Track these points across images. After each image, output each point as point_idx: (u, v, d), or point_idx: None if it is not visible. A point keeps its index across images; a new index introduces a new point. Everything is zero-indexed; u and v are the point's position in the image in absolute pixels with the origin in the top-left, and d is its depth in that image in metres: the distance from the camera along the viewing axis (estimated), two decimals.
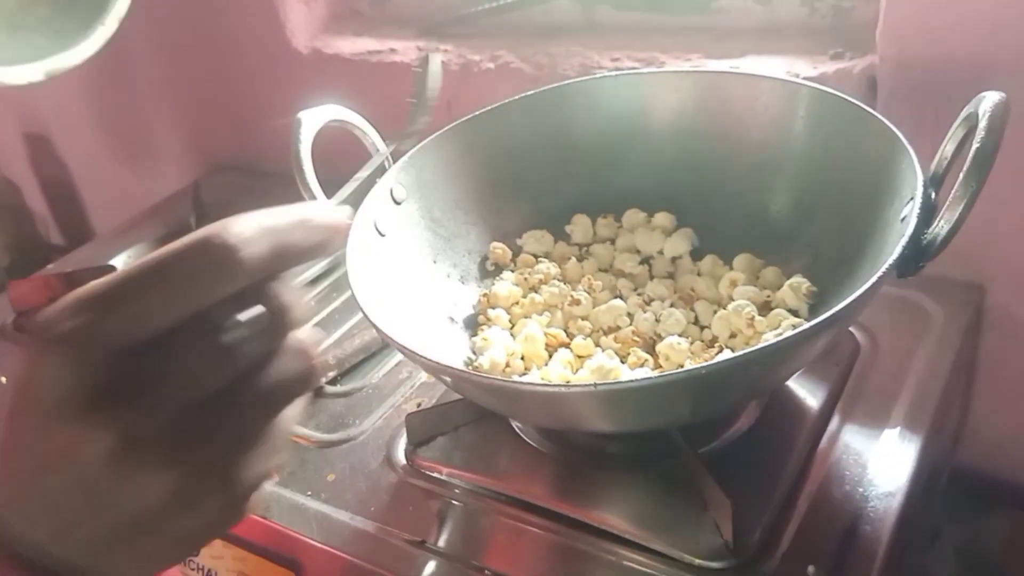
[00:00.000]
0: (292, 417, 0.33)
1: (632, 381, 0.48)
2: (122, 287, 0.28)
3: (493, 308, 0.67)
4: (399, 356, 0.75)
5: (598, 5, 0.92)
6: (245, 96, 1.11)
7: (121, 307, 0.28)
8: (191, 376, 0.29)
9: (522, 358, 0.64)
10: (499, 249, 0.71)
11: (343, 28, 1.05)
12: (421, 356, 0.52)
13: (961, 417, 0.78)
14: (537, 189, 0.74)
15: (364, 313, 0.55)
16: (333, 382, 0.73)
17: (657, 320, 0.64)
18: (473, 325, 0.67)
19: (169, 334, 0.29)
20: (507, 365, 0.62)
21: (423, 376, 0.72)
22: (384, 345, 0.76)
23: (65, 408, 0.28)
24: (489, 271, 0.71)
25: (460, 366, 0.61)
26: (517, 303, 0.68)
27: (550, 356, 0.64)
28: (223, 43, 1.08)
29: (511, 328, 0.66)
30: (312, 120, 0.64)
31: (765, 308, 0.62)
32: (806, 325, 0.44)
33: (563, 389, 0.47)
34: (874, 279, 0.46)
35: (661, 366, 0.61)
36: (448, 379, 0.54)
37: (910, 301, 0.70)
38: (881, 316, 0.69)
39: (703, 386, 0.47)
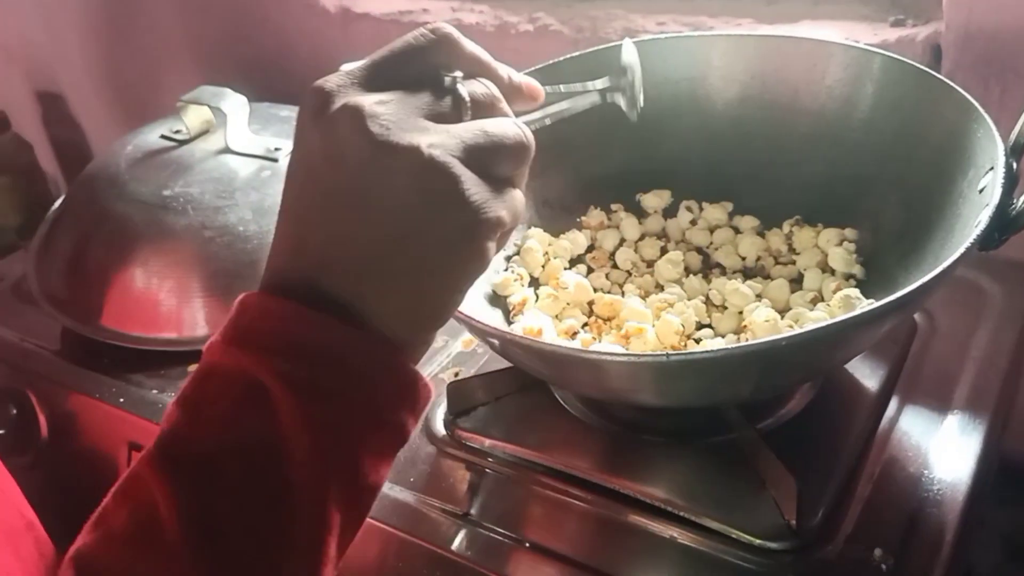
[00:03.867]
0: (520, 186, 0.38)
1: (707, 352, 0.46)
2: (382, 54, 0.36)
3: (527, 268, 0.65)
4: None
5: None
6: (269, 56, 1.08)
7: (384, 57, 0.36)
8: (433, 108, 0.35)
9: (557, 317, 0.62)
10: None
11: None
12: (480, 323, 0.50)
13: (1011, 401, 0.75)
14: (580, 155, 0.71)
15: None
16: None
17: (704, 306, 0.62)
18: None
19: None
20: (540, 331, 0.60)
21: (459, 345, 0.70)
22: None
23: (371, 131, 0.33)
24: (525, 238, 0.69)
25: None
26: (546, 259, 0.66)
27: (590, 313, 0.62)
28: (247, 2, 1.05)
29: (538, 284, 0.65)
30: None
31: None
32: (891, 297, 0.42)
33: (634, 359, 0.44)
34: (961, 250, 0.44)
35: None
36: (502, 345, 0.52)
37: (966, 280, 0.68)
38: (937, 295, 0.66)
39: (776, 360, 0.44)
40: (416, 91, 0.36)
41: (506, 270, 0.66)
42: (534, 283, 0.66)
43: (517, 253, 0.67)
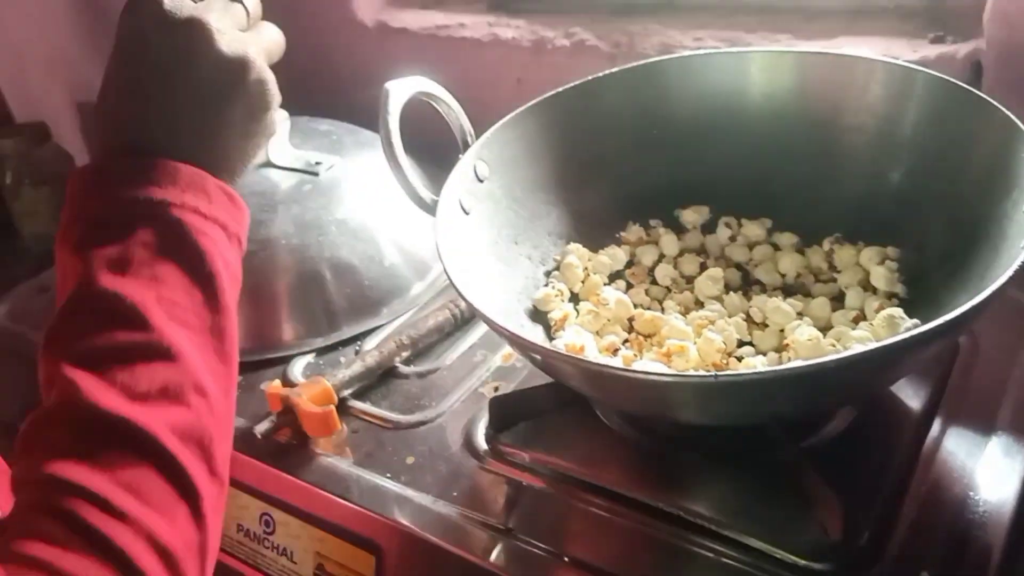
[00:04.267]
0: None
1: (756, 372, 0.46)
2: None
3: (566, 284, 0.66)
4: (472, 338, 0.74)
5: None
6: (306, 70, 1.09)
7: None
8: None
9: (597, 334, 0.62)
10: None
11: (409, 2, 1.03)
12: (524, 340, 0.51)
13: None
14: (619, 171, 0.72)
15: (461, 294, 0.53)
16: (407, 362, 0.71)
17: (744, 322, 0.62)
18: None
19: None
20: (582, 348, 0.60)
21: (498, 360, 0.71)
22: (456, 327, 0.74)
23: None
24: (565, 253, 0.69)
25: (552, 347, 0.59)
26: (586, 274, 0.67)
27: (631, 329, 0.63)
28: (283, 14, 1.06)
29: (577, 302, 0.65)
30: (400, 91, 0.62)
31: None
32: (943, 319, 0.42)
33: (681, 378, 0.45)
34: (1010, 272, 0.44)
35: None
36: (544, 361, 0.53)
37: (1008, 299, 0.67)
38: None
39: (823, 382, 0.45)
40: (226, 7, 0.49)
41: (546, 285, 0.66)
42: (574, 298, 0.66)
43: (557, 268, 0.68)
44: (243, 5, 0.49)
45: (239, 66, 0.47)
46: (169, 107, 0.46)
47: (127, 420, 0.39)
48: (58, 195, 1.33)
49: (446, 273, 0.55)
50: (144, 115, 0.46)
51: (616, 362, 0.58)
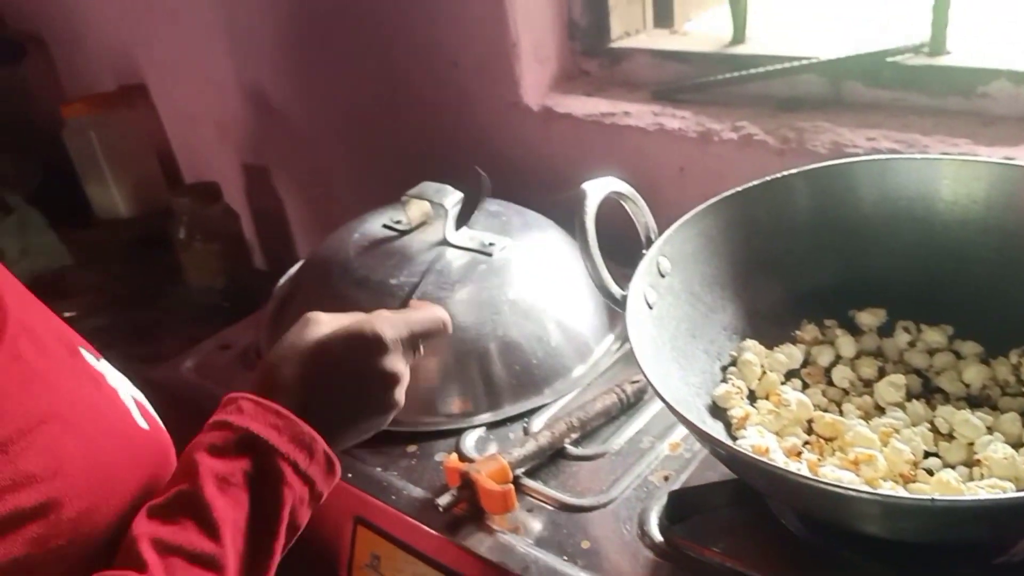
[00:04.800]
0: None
1: (981, 499, 0.46)
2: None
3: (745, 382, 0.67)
4: (638, 423, 0.75)
5: (847, 80, 0.90)
6: (471, 151, 1.14)
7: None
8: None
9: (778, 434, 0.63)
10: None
11: (572, 88, 1.08)
12: (713, 437, 0.52)
13: None
14: (795, 268, 0.73)
15: (657, 392, 0.55)
16: (576, 444, 0.73)
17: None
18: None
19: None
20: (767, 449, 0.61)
21: (665, 448, 0.72)
22: (622, 410, 0.76)
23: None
24: (741, 350, 0.70)
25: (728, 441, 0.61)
26: (762, 372, 0.68)
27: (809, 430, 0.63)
28: (455, 97, 1.13)
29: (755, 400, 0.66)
30: (595, 191, 0.65)
31: None
32: None
33: (895, 499, 0.45)
34: None
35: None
36: (730, 459, 0.54)
37: None
38: None
39: None
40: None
41: (724, 381, 0.67)
42: (750, 395, 0.67)
43: (732, 363, 0.69)
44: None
45: (392, 381, 0.60)
46: (313, 382, 0.57)
47: None
48: (226, 251, 1.43)
49: (640, 368, 0.57)
50: (292, 379, 0.57)
51: (803, 467, 0.59)
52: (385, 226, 0.90)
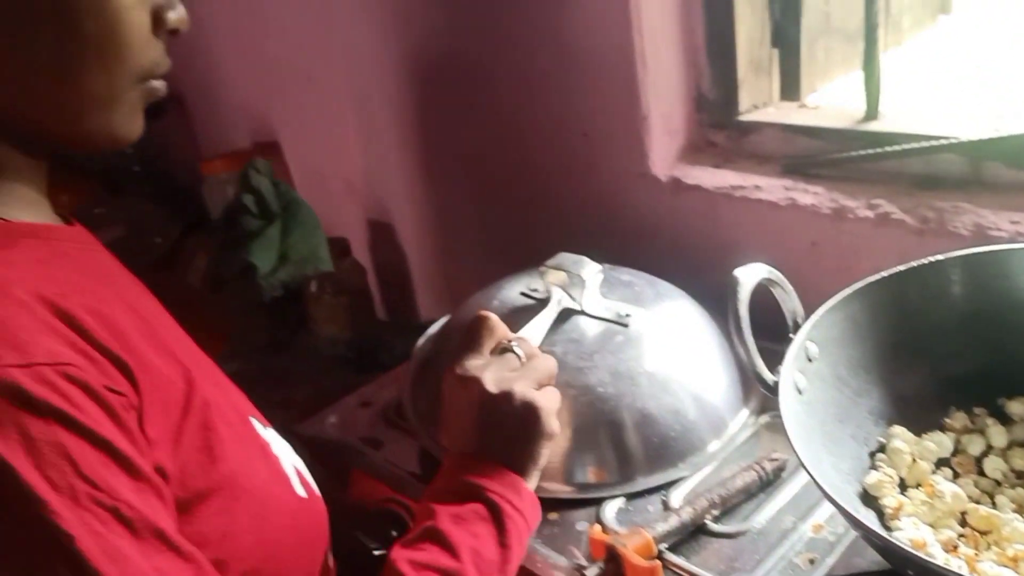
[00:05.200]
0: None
1: None
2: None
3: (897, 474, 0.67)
4: (778, 502, 0.76)
5: (988, 160, 0.90)
6: (603, 220, 1.17)
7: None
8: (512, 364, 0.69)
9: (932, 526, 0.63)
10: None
11: (700, 159, 1.10)
12: (871, 529, 0.53)
13: None
14: (942, 354, 0.73)
15: (817, 482, 0.57)
16: (716, 520, 0.75)
17: None
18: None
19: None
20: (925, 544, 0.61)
21: (808, 529, 0.72)
22: (761, 488, 0.77)
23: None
24: (890, 436, 0.71)
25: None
26: (911, 459, 0.68)
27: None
28: (583, 169, 1.17)
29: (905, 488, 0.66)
30: (748, 278, 0.67)
31: None
32: None
33: None
34: None
35: None
36: (886, 551, 0.55)
37: None
38: None
39: None
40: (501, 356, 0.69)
41: (872, 468, 0.68)
42: (900, 483, 0.68)
43: (880, 449, 0.70)
44: (515, 354, 0.69)
45: (503, 399, 0.65)
46: (477, 431, 0.66)
47: None
48: (353, 304, 1.50)
49: (798, 458, 0.59)
50: (467, 436, 0.67)
51: (962, 564, 0.59)
52: (522, 293, 0.94)
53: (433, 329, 1.05)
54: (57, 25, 0.51)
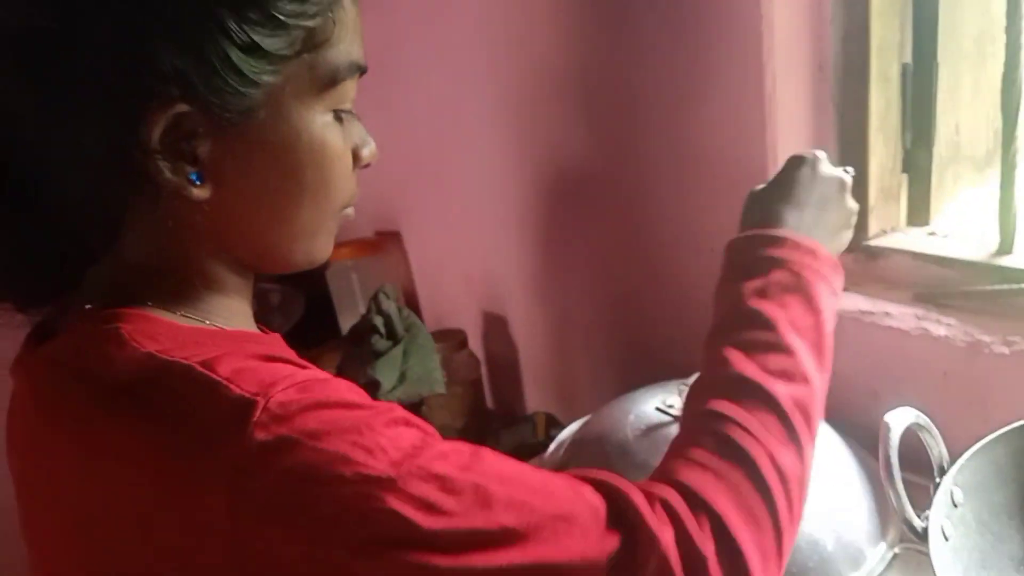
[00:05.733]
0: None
1: None
2: None
3: None
4: None
5: None
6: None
7: None
8: None
9: None
10: None
11: None
12: None
13: None
14: None
15: None
16: None
17: None
18: None
19: None
20: None
21: None
22: None
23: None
24: None
25: None
26: None
27: None
28: (707, 281, 1.19)
29: None
30: (898, 423, 0.69)
31: None
32: None
33: None
34: None
35: None
36: None
37: None
38: None
39: None
40: None
41: None
42: None
43: None
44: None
45: (839, 184, 0.75)
46: (798, 205, 0.72)
47: (760, 384, 0.61)
48: (466, 393, 1.55)
49: None
50: (783, 207, 0.72)
51: None
52: (658, 409, 0.96)
53: (564, 435, 1.07)
54: (280, 175, 0.58)
